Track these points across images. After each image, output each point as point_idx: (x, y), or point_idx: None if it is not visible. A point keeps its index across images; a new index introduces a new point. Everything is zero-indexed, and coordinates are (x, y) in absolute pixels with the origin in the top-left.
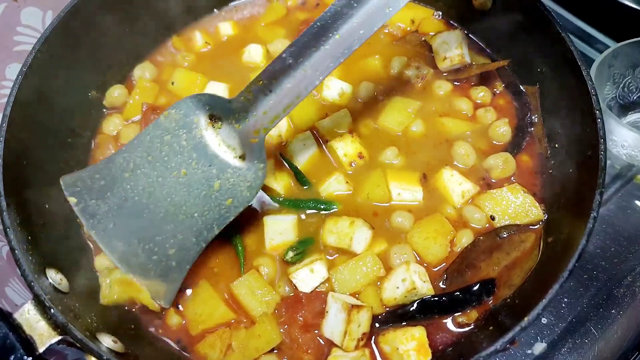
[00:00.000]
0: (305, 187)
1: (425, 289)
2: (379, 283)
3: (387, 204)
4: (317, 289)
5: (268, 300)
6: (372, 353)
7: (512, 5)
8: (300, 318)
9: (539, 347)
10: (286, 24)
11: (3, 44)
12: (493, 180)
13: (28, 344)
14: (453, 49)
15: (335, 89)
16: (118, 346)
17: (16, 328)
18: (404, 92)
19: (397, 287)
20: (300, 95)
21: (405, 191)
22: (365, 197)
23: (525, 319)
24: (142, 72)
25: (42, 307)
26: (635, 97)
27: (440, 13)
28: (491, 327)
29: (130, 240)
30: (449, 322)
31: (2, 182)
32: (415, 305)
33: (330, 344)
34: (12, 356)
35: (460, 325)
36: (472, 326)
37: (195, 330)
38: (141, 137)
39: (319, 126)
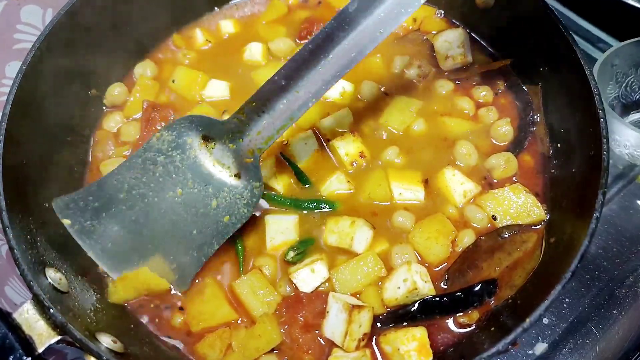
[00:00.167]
0: (306, 187)
1: (427, 289)
2: (380, 283)
3: (389, 204)
4: (317, 289)
5: (270, 301)
6: (373, 353)
7: (515, 4)
8: (301, 318)
9: (540, 348)
10: (287, 22)
11: (3, 42)
12: (495, 180)
13: (27, 344)
14: (455, 48)
15: (336, 88)
16: (117, 346)
17: (15, 328)
18: (405, 91)
19: (399, 287)
20: (294, 117)
21: (407, 191)
22: (367, 196)
23: (528, 320)
24: (143, 69)
25: (41, 306)
26: (637, 97)
27: (443, 12)
28: (493, 328)
29: (130, 258)
30: (450, 323)
31: (1, 181)
32: (416, 305)
33: (331, 344)
34: (11, 356)
35: (461, 326)
36: (474, 327)
37: (196, 328)
38: (133, 159)
39: (320, 125)
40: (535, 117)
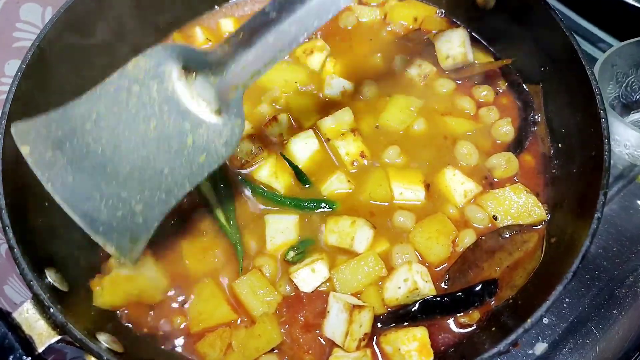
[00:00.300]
0: (306, 186)
1: (427, 289)
2: (380, 283)
3: (389, 204)
4: (318, 289)
5: (270, 301)
6: (373, 353)
7: (516, 4)
8: (301, 318)
9: (540, 348)
10: None
11: (2, 40)
12: (495, 180)
13: (27, 343)
14: (456, 47)
15: (337, 87)
16: (117, 346)
17: (15, 327)
18: (406, 90)
19: (399, 287)
20: (283, 51)
21: (407, 190)
22: (367, 196)
23: (529, 320)
24: None
25: (41, 306)
26: (638, 97)
27: (443, 11)
28: (493, 328)
29: (92, 195)
30: (451, 323)
31: (1, 180)
32: (417, 305)
33: (332, 344)
34: (11, 356)
35: (462, 326)
36: (475, 327)
37: (196, 328)
38: (105, 86)
39: (320, 125)
40: (536, 117)
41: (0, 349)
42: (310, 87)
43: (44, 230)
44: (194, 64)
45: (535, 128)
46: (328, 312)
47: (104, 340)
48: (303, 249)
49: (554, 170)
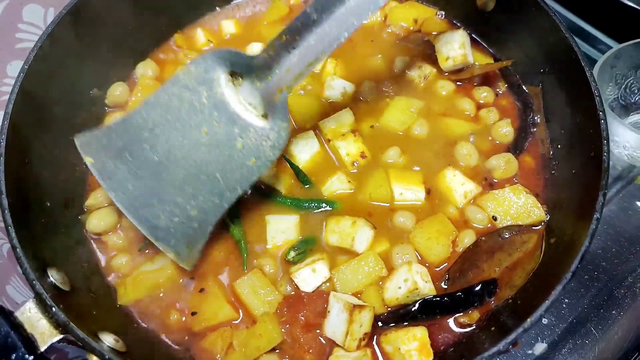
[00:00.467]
0: (306, 187)
1: (427, 289)
2: (380, 283)
3: (389, 204)
4: (319, 289)
5: (271, 300)
6: (373, 353)
7: (515, 5)
8: (302, 317)
9: (540, 348)
10: None
11: (5, 41)
12: (495, 181)
13: (29, 342)
14: (456, 48)
15: (337, 88)
16: (119, 345)
17: (17, 327)
18: (406, 91)
19: (399, 287)
20: (325, 52)
21: (408, 191)
22: (368, 196)
23: (528, 320)
24: (144, 69)
25: (43, 305)
26: (637, 98)
27: (444, 13)
28: (493, 328)
29: (150, 201)
30: (451, 323)
31: (3, 180)
32: (417, 305)
33: (332, 344)
34: (14, 355)
35: (462, 326)
36: (474, 327)
37: (197, 327)
38: (159, 94)
39: (321, 125)
40: (535, 118)
41: (3, 348)
42: (311, 88)
43: (46, 230)
44: (241, 68)
45: (535, 129)
46: (328, 311)
47: (106, 339)
48: (304, 249)
49: (553, 171)
